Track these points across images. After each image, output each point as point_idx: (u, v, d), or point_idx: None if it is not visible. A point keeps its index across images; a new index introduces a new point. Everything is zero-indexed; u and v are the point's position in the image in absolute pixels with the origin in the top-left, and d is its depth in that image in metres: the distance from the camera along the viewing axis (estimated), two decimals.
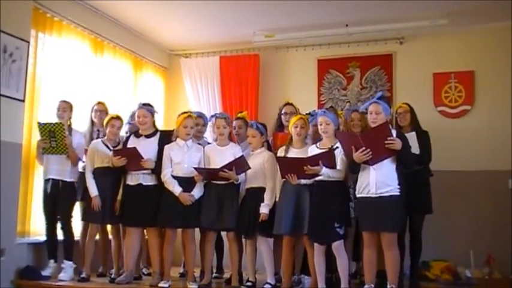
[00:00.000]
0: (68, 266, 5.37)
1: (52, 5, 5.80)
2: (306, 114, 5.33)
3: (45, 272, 5.35)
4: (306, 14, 6.48)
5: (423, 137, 5.37)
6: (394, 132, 4.46)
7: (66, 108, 5.54)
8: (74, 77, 6.13)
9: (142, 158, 5.13)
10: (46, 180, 5.45)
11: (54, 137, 5.30)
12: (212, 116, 5.57)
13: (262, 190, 5.07)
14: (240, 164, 5.04)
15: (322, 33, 6.88)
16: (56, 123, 5.34)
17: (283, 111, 5.69)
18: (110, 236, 5.68)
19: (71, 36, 6.14)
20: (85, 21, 6.28)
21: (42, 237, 5.49)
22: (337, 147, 4.66)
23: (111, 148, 5.42)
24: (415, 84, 6.84)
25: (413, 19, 6.40)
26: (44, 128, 5.31)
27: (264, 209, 4.98)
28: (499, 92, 6.54)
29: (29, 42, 5.45)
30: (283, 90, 7.26)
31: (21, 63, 5.36)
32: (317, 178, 4.70)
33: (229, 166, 5.00)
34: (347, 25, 6.67)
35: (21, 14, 5.37)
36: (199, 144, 5.42)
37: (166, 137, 5.33)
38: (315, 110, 5.35)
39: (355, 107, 6.44)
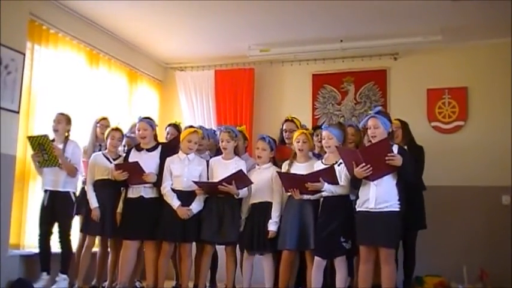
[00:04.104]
0: (62, 279, 5.34)
1: (48, 17, 5.82)
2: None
3: (38, 285, 5.31)
4: (301, 29, 6.53)
5: (416, 153, 5.38)
6: (396, 147, 4.46)
7: (61, 120, 5.53)
8: (69, 89, 6.13)
9: (144, 172, 5.12)
10: (44, 192, 5.44)
11: (45, 150, 5.28)
12: (211, 131, 5.57)
13: (268, 205, 5.04)
14: (239, 179, 4.99)
15: (317, 48, 6.93)
16: (42, 136, 5.31)
17: (283, 128, 5.70)
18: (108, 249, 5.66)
19: (66, 48, 6.16)
20: (81, 34, 6.30)
21: (36, 250, 5.46)
22: (340, 163, 4.66)
23: (112, 160, 5.42)
24: (409, 100, 6.88)
25: (407, 35, 6.45)
26: (33, 141, 5.30)
27: (272, 227, 4.95)
28: (492, 108, 6.60)
29: (24, 54, 5.46)
30: (278, 105, 7.30)
31: (17, 75, 5.36)
32: (322, 194, 4.70)
33: (228, 180, 4.97)
34: (342, 40, 6.71)
35: (17, 26, 5.38)
36: (201, 157, 5.41)
37: (167, 150, 5.32)
38: (305, 125, 5.36)
39: (348, 122, 6.47)
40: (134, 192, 5.22)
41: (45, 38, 5.86)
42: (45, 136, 5.30)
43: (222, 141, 5.23)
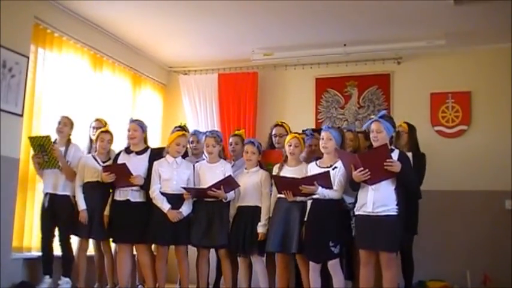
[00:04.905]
0: (65, 282, 5.34)
1: (52, 21, 5.84)
2: (303, 132, 5.36)
3: None
4: (304, 33, 6.54)
5: (419, 160, 5.37)
6: (396, 152, 4.45)
7: (67, 123, 5.54)
8: (73, 92, 6.14)
9: (132, 175, 5.12)
10: (45, 195, 5.44)
11: (45, 151, 5.29)
12: (203, 134, 5.59)
13: (255, 208, 5.08)
14: (228, 183, 5.04)
15: (321, 52, 6.93)
16: (44, 136, 5.32)
17: (273, 133, 5.72)
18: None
19: (70, 51, 6.17)
20: (85, 37, 6.32)
21: (38, 253, 5.47)
22: (335, 167, 4.67)
23: (101, 163, 5.42)
24: (412, 104, 6.87)
25: (411, 39, 6.45)
26: (34, 142, 5.30)
27: (261, 229, 4.99)
28: (495, 112, 6.58)
29: (28, 58, 5.48)
30: (281, 109, 7.30)
31: (20, 78, 5.38)
32: (313, 196, 4.70)
33: (217, 185, 5.00)
34: (345, 44, 6.71)
35: (21, 29, 5.41)
36: (197, 162, 5.42)
37: (157, 155, 5.32)
38: (308, 129, 5.37)
39: (350, 126, 6.47)
40: (121, 194, 5.23)
41: (49, 41, 5.88)
42: (47, 137, 5.31)
43: (208, 146, 5.27)
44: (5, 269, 5.07)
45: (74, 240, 5.60)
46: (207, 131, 5.64)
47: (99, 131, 5.56)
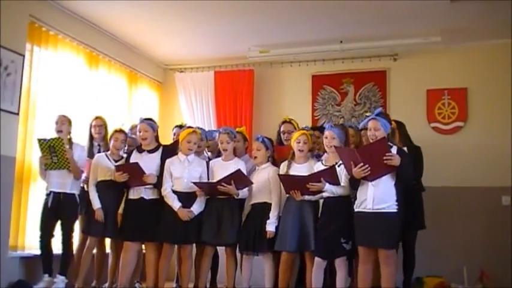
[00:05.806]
0: (61, 280, 5.32)
1: (48, 19, 5.82)
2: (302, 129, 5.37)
3: (38, 286, 5.30)
4: (300, 30, 6.53)
5: (414, 153, 5.38)
6: (395, 148, 4.44)
7: (64, 121, 5.53)
8: (69, 90, 6.13)
9: (145, 173, 5.11)
10: (47, 194, 5.42)
11: (55, 152, 5.29)
12: (216, 132, 5.57)
13: (266, 205, 5.05)
14: (238, 178, 5.00)
15: (317, 49, 6.93)
16: (55, 138, 5.32)
17: (281, 130, 5.71)
18: (108, 250, 5.67)
19: (66, 50, 6.15)
20: (81, 36, 6.30)
21: (35, 251, 5.46)
22: (341, 164, 4.65)
23: (114, 162, 5.41)
24: (408, 101, 6.88)
25: (407, 36, 6.45)
26: (43, 144, 5.30)
27: (270, 227, 4.95)
28: (492, 109, 6.59)
29: (24, 56, 5.46)
30: (278, 106, 7.30)
31: (16, 76, 5.36)
32: (322, 195, 4.70)
33: (226, 180, 4.97)
34: (341, 41, 6.71)
35: (17, 28, 5.39)
36: (201, 159, 5.41)
37: (169, 152, 5.31)
38: (307, 126, 5.36)
39: (348, 123, 6.47)
40: (135, 193, 5.22)
41: (45, 39, 5.86)
42: (59, 139, 5.32)
43: (222, 143, 5.25)
44: (2, 268, 5.05)
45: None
46: (220, 128, 5.63)
47: (113, 130, 5.56)
